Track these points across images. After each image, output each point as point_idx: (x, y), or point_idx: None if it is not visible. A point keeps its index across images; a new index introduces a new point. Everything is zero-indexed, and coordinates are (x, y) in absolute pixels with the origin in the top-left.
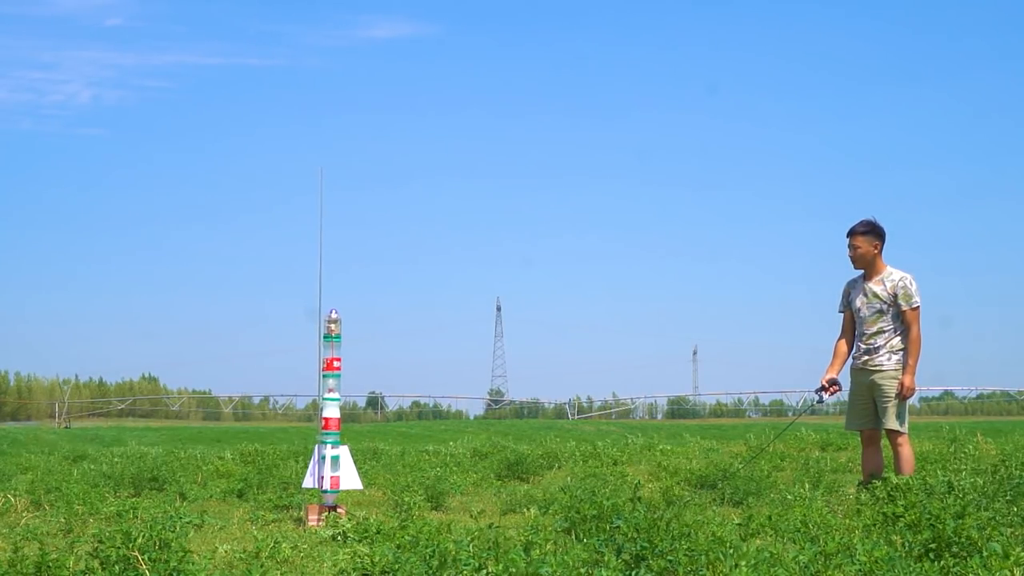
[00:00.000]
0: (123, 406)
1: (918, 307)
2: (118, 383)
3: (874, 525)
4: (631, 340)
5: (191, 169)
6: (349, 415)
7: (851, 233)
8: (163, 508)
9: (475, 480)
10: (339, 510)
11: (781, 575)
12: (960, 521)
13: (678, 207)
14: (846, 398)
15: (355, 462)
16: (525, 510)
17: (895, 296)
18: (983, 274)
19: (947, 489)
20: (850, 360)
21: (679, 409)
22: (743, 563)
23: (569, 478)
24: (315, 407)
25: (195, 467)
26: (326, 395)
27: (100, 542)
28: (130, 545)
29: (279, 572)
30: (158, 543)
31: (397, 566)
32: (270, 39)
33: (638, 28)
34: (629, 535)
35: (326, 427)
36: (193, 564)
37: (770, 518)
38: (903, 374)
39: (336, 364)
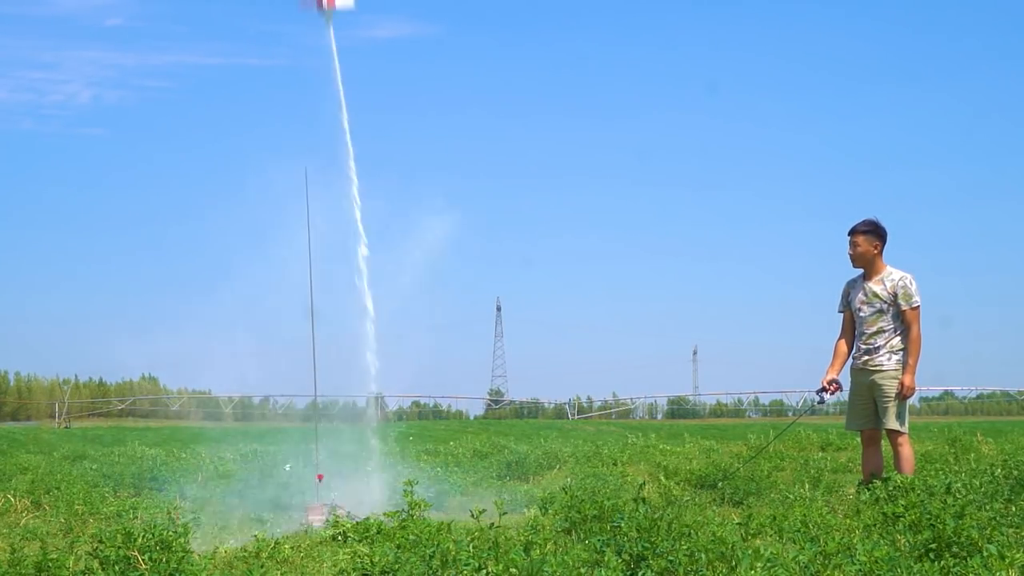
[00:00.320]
0: (123, 406)
1: (918, 307)
2: (118, 383)
3: (874, 525)
4: (631, 340)
5: (191, 169)
6: (349, 415)
7: (852, 232)
8: (163, 508)
9: (475, 480)
10: (339, 510)
11: (781, 575)
12: (960, 521)
13: (678, 207)
14: (846, 398)
15: (355, 462)
16: (525, 510)
17: (895, 296)
18: (983, 274)
19: (947, 489)
20: (850, 360)
21: (679, 409)
22: (743, 563)
23: (569, 478)
24: (315, 407)
25: (195, 467)
26: None
27: (100, 542)
28: (130, 545)
29: (279, 572)
30: (158, 543)
31: (397, 566)
32: (270, 39)
33: (638, 28)
34: (630, 535)
35: None
36: (193, 564)
37: (772, 518)
38: (903, 374)
39: None
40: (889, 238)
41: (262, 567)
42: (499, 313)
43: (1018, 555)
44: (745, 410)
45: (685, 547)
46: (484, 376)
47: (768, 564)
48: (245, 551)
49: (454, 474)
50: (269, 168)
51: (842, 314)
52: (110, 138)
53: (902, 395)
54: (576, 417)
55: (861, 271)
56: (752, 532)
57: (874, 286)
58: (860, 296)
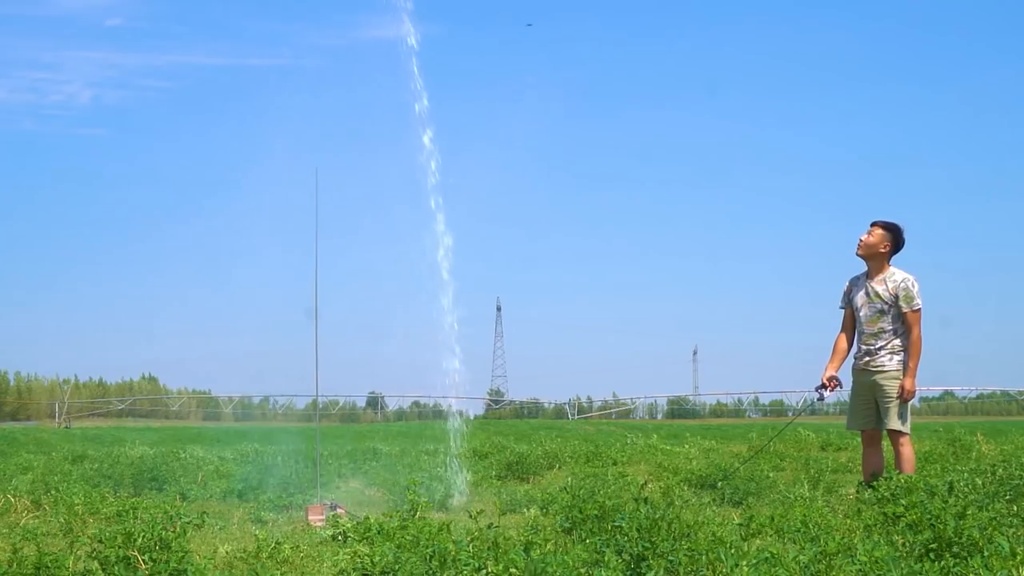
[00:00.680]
0: (123, 406)
1: (919, 309)
2: (118, 383)
3: (875, 525)
4: (631, 340)
5: (191, 169)
6: (349, 415)
7: (875, 222)
8: (163, 508)
9: (475, 480)
10: (339, 510)
11: (782, 575)
12: (961, 521)
13: (678, 207)
14: (846, 397)
15: (355, 462)
16: (525, 510)
17: (896, 297)
18: (983, 274)
19: (949, 489)
20: (851, 360)
21: (679, 409)
22: (744, 563)
23: (569, 478)
24: (315, 407)
25: (195, 467)
26: None
27: (100, 542)
28: (130, 545)
29: (279, 572)
30: (158, 543)
31: (397, 566)
32: (270, 39)
33: (638, 28)
34: (630, 535)
35: None
36: (193, 564)
37: (772, 518)
38: (904, 376)
39: None
40: (901, 252)
41: (262, 567)
42: (499, 313)
43: (1020, 549)
44: (745, 410)
45: (685, 547)
46: (484, 376)
47: (769, 564)
48: (245, 551)
49: (454, 474)
50: (269, 168)
51: (843, 310)
52: (110, 138)
53: (902, 398)
54: (576, 417)
55: (864, 270)
56: (752, 532)
57: (876, 286)
58: (861, 295)
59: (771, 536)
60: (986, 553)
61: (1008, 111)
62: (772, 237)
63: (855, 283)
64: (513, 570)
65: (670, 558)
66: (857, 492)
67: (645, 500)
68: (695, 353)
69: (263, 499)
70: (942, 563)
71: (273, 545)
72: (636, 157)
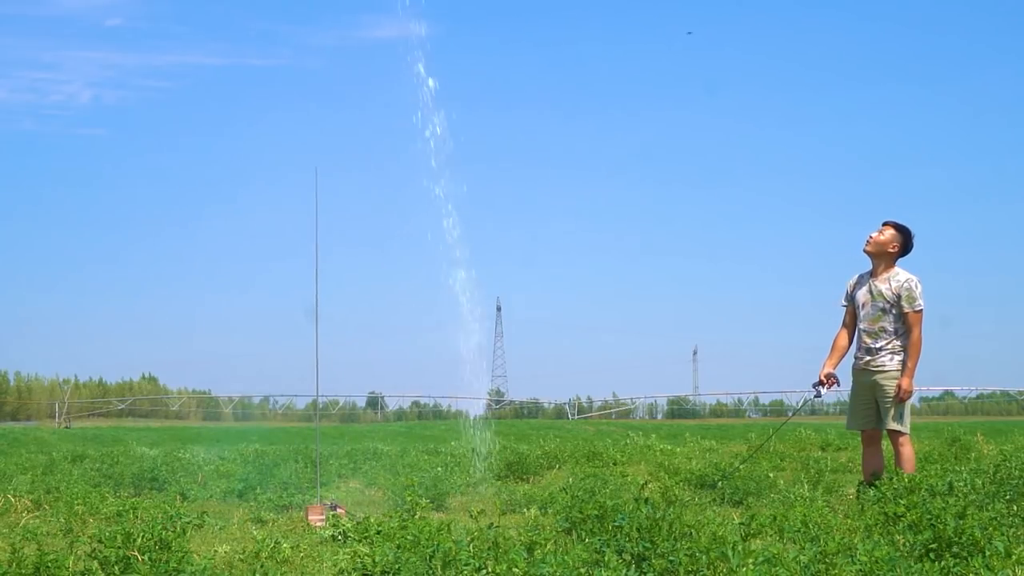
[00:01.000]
0: (123, 406)
1: (921, 310)
2: (118, 383)
3: (875, 525)
4: (631, 340)
5: (191, 169)
6: (349, 415)
7: (887, 222)
8: (163, 508)
9: (475, 480)
10: (339, 510)
11: (782, 575)
12: (961, 521)
13: (678, 206)
14: (846, 397)
15: (355, 462)
16: (525, 510)
17: (899, 297)
18: (983, 274)
19: (949, 489)
20: (852, 360)
21: (679, 409)
22: (744, 563)
23: (570, 478)
24: (315, 407)
25: (195, 467)
26: None
27: (100, 542)
28: (130, 545)
29: (279, 572)
30: (158, 543)
31: (397, 566)
32: (270, 39)
33: (638, 28)
34: (630, 535)
35: None
36: (193, 564)
37: (772, 518)
38: (902, 376)
39: None
40: (908, 257)
41: (262, 567)
42: (499, 313)
43: (1020, 550)
44: (745, 410)
45: (686, 547)
46: (484, 376)
47: (769, 564)
48: (245, 551)
49: (454, 474)
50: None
51: (844, 308)
52: (110, 138)
53: (899, 398)
54: (576, 417)
55: (869, 268)
56: (752, 532)
57: (879, 284)
58: (864, 292)
59: (771, 536)
60: (986, 553)
61: (1008, 111)
62: (772, 237)
63: (858, 281)
64: (515, 570)
65: (670, 558)
66: (857, 492)
67: (645, 500)
68: (695, 353)
69: (263, 499)
70: (942, 563)
71: (273, 545)
72: (636, 156)
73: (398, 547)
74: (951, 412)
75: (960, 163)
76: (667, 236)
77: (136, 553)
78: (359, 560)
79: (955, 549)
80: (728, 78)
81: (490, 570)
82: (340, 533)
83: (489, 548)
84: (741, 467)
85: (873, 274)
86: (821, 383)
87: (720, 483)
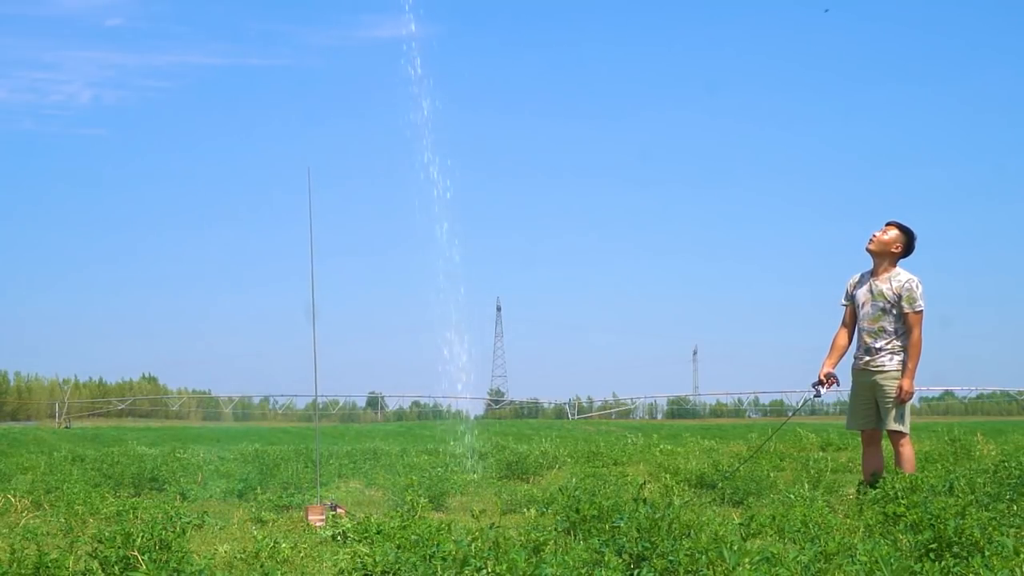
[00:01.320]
0: (123, 406)
1: (921, 311)
2: (118, 383)
3: (875, 525)
4: (631, 340)
5: (191, 169)
6: (349, 415)
7: (891, 222)
8: (163, 508)
9: (475, 480)
10: (339, 510)
11: (782, 575)
12: (961, 521)
13: (678, 207)
14: (846, 397)
15: (355, 462)
16: (525, 510)
17: (899, 297)
18: (983, 274)
19: (950, 489)
20: (852, 360)
21: (679, 409)
22: (744, 563)
23: (570, 478)
24: (315, 407)
25: (195, 467)
26: None
27: (100, 542)
28: (130, 545)
29: (279, 572)
30: (158, 543)
31: (397, 566)
32: (270, 39)
33: (638, 28)
34: (630, 535)
35: None
36: (193, 564)
37: (772, 518)
38: (902, 377)
39: None
40: (909, 257)
41: (262, 567)
42: (499, 313)
43: (1021, 549)
44: (745, 410)
45: (686, 547)
46: (484, 376)
47: (769, 564)
48: (245, 551)
49: (454, 474)
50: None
51: (844, 307)
52: (110, 138)
53: (899, 399)
54: (576, 417)
55: (870, 267)
56: (752, 532)
57: (880, 284)
58: (864, 291)
59: (771, 536)
60: (987, 553)
61: (1008, 111)
62: (772, 237)
63: (860, 279)
64: (515, 570)
65: (670, 558)
66: (857, 492)
67: (645, 500)
68: (695, 353)
69: (263, 499)
70: (943, 563)
71: (273, 545)
72: (636, 157)
73: (398, 547)
74: (951, 412)
75: (960, 163)
76: (667, 236)
77: (136, 553)
78: (359, 560)
79: (955, 549)
80: (728, 78)
81: (490, 570)
82: (340, 533)
83: (490, 548)
84: (741, 467)
85: (874, 273)
86: (821, 383)
87: (720, 483)
